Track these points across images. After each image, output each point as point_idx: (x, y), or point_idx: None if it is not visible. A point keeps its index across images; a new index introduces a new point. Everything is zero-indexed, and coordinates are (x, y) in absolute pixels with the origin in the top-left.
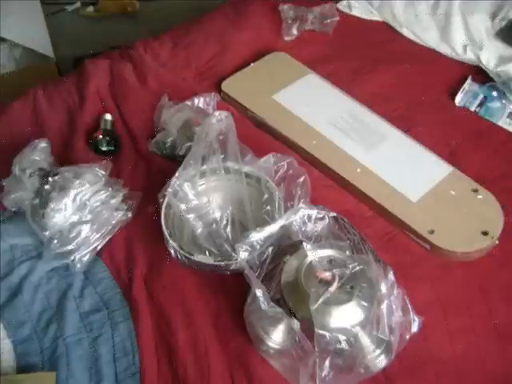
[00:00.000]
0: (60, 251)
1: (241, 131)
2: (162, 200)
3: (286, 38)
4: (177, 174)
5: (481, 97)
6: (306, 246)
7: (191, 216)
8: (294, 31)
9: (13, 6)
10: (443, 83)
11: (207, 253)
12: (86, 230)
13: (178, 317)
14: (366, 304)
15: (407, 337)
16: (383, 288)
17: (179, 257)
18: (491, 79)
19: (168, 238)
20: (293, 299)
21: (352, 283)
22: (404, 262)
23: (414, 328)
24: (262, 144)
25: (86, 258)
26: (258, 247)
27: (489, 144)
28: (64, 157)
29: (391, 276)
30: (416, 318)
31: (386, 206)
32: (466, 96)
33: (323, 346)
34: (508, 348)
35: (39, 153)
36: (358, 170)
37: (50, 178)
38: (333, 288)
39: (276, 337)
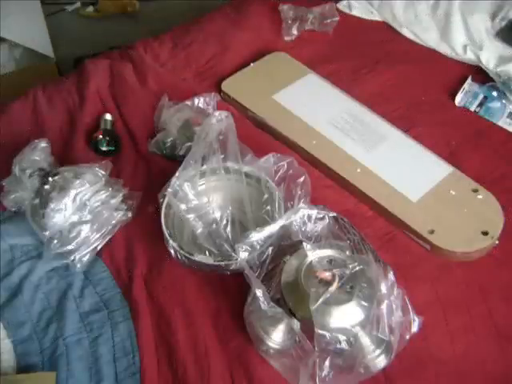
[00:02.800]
0: (60, 251)
1: (241, 131)
2: (162, 200)
3: (286, 38)
4: (177, 174)
5: (481, 97)
6: (306, 246)
7: (191, 216)
8: (294, 31)
9: (13, 6)
10: (443, 83)
11: (207, 253)
12: (86, 229)
13: (178, 317)
14: (366, 304)
15: (407, 337)
16: (383, 288)
17: (179, 257)
18: (491, 79)
19: (168, 238)
20: (293, 299)
21: (352, 283)
22: (404, 262)
23: (414, 328)
24: (262, 144)
25: (86, 258)
26: (258, 247)
27: (489, 144)
28: (64, 157)
29: (391, 276)
30: (416, 318)
31: (386, 206)
32: (466, 96)
33: (323, 346)
34: (508, 348)
35: (39, 153)
36: (358, 170)
37: (50, 178)
38: (333, 288)
39: (276, 337)
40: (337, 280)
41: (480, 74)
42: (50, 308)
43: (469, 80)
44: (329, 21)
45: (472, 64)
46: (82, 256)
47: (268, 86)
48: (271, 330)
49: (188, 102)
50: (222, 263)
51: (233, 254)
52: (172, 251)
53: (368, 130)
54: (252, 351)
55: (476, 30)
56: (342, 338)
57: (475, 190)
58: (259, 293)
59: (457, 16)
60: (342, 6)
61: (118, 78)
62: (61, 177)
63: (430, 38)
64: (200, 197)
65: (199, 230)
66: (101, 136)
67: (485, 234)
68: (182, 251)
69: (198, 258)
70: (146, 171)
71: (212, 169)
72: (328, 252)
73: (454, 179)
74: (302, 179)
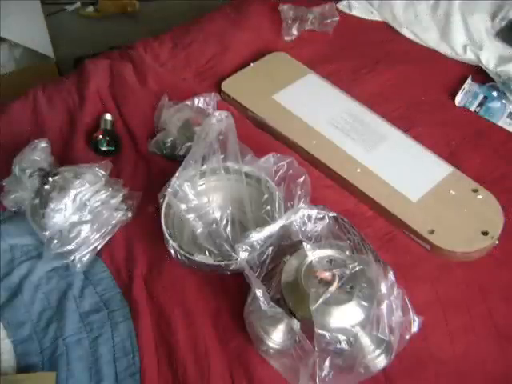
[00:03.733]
0: (60, 251)
1: (241, 131)
2: (162, 200)
3: (286, 38)
4: (177, 174)
5: (481, 97)
6: (306, 246)
7: (191, 216)
8: (294, 31)
9: (13, 6)
10: (443, 83)
11: (207, 253)
12: (85, 229)
13: (178, 317)
14: (366, 304)
15: (407, 337)
16: (383, 288)
17: (179, 257)
18: (491, 79)
19: (168, 238)
20: (293, 299)
21: (352, 283)
22: (404, 262)
23: (414, 328)
24: (262, 144)
25: (86, 258)
26: (258, 247)
27: (489, 144)
28: (64, 157)
29: (391, 276)
30: (416, 318)
31: (386, 206)
32: (466, 96)
33: (323, 346)
34: (508, 348)
35: (39, 153)
36: (358, 170)
37: (50, 178)
38: (333, 288)
39: (276, 337)
40: (337, 280)
41: (480, 74)
42: (50, 308)
43: (469, 80)
44: (329, 21)
45: (472, 64)
46: (82, 256)
47: (268, 86)
48: (271, 329)
49: (188, 102)
50: (222, 263)
51: (233, 254)
52: (172, 251)
53: (368, 130)
54: (252, 351)
55: (476, 30)
56: (342, 337)
57: (475, 190)
58: (259, 293)
59: (457, 16)
60: (342, 5)
61: (118, 78)
62: (61, 177)
63: (430, 38)
64: (200, 197)
65: (199, 230)
66: (101, 136)
67: (485, 234)
68: (182, 251)
69: (198, 258)
70: (146, 171)
71: (212, 169)
72: (328, 252)
73: (454, 179)
74: (302, 179)
